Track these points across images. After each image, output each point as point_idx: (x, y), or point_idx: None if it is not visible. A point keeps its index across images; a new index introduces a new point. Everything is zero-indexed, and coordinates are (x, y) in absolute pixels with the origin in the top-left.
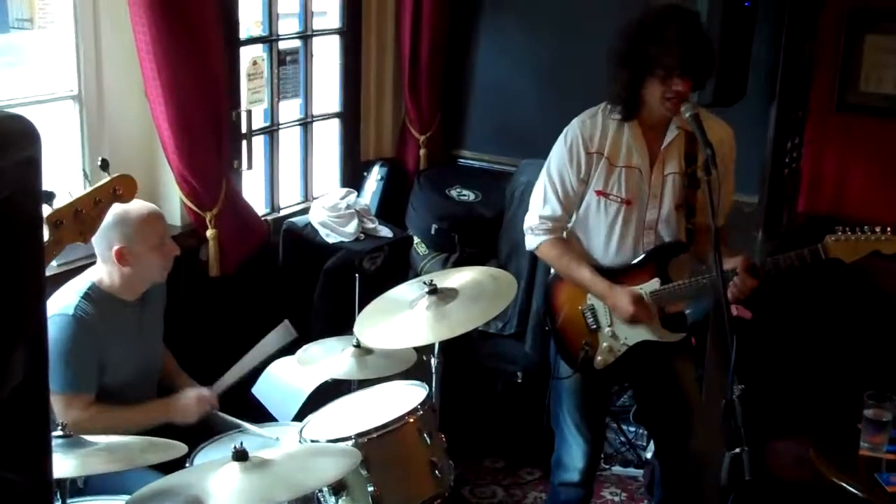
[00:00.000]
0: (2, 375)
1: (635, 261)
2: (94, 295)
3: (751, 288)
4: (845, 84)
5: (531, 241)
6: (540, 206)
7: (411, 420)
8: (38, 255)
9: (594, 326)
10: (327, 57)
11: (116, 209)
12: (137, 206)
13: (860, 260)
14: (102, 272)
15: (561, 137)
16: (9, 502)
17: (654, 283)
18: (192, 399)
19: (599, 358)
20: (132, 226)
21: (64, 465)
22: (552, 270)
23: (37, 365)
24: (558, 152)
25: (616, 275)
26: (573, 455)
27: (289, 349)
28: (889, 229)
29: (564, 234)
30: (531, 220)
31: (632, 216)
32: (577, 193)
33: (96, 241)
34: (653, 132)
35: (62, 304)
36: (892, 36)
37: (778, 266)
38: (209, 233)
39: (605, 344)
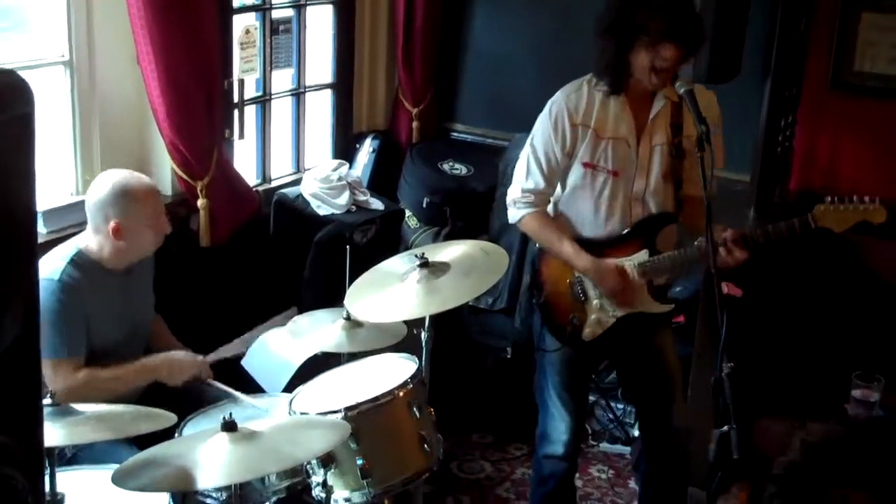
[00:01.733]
0: None
1: (623, 232)
2: (81, 261)
3: (740, 259)
4: (839, 62)
5: (514, 215)
6: (523, 178)
7: (401, 394)
8: (31, 213)
9: (582, 299)
10: (321, 27)
11: (116, 182)
12: (137, 181)
13: (850, 238)
14: (92, 240)
15: (545, 109)
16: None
17: (642, 255)
18: (185, 361)
19: (588, 330)
20: (131, 203)
21: (52, 434)
22: (537, 245)
23: (28, 327)
24: (543, 125)
25: (604, 247)
26: (557, 428)
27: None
28: (877, 199)
29: (549, 207)
30: (514, 192)
31: (619, 187)
32: (561, 166)
33: (92, 211)
34: (639, 102)
35: (48, 269)
36: (887, 14)
37: (768, 236)
38: (200, 202)
39: (593, 316)
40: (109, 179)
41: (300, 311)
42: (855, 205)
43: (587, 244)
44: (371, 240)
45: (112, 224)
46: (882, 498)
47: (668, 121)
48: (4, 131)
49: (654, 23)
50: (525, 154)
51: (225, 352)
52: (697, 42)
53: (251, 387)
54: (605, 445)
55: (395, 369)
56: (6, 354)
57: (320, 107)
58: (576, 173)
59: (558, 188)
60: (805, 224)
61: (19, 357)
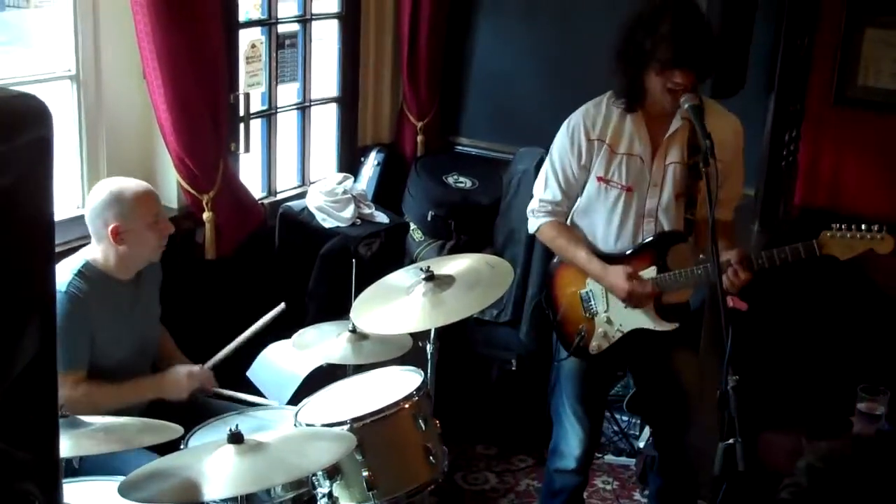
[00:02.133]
0: (14, 352)
1: (634, 248)
2: (88, 273)
3: (744, 281)
4: (844, 78)
5: (532, 224)
6: (541, 190)
7: (406, 406)
8: (49, 233)
9: (591, 312)
10: (326, 41)
11: (111, 187)
12: (132, 184)
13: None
14: (97, 251)
15: (564, 124)
16: (18, 480)
17: (651, 271)
18: (184, 375)
19: (594, 343)
20: (127, 204)
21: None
22: (556, 257)
23: (46, 342)
24: (561, 139)
25: (615, 261)
26: (570, 443)
27: (285, 333)
28: (884, 228)
29: (567, 220)
30: (532, 203)
31: (632, 203)
32: (578, 180)
33: (91, 220)
34: (657, 121)
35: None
36: (891, 30)
37: (772, 260)
38: (206, 215)
39: (600, 329)
40: (105, 186)
41: (305, 325)
42: (862, 233)
43: (599, 258)
44: (376, 253)
45: (111, 227)
46: None
47: (685, 141)
48: (24, 153)
49: (661, 50)
50: (545, 167)
51: (220, 356)
52: (709, 65)
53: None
54: (609, 457)
55: (401, 381)
56: (24, 372)
57: (325, 120)
58: (591, 187)
59: (576, 201)
60: (810, 250)
61: (38, 373)
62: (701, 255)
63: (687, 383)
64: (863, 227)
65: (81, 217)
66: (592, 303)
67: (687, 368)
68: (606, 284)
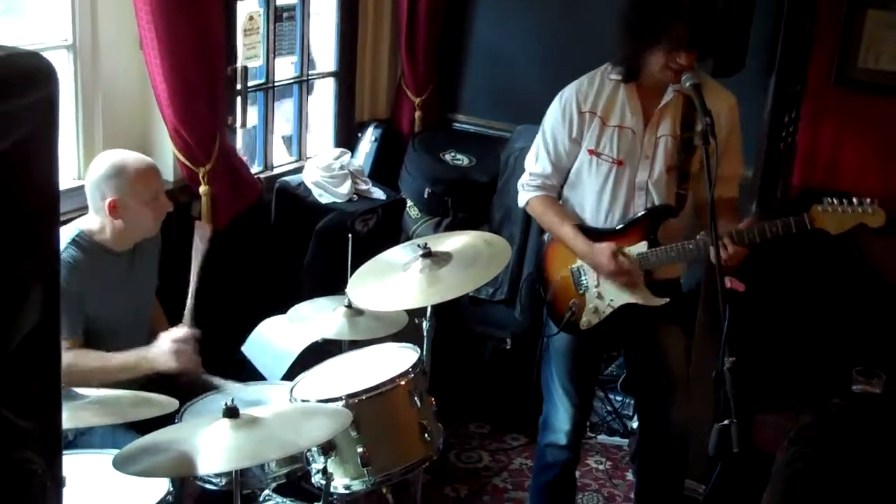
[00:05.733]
0: (16, 319)
1: (625, 222)
2: (83, 242)
3: (733, 255)
4: (844, 59)
5: (522, 198)
6: (532, 162)
7: (402, 383)
8: (55, 196)
9: (583, 287)
10: (324, 15)
11: (113, 160)
12: (134, 158)
13: (849, 233)
14: (94, 222)
15: (557, 97)
16: (19, 448)
17: (641, 246)
18: (168, 345)
19: (584, 319)
20: (128, 179)
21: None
22: (547, 234)
23: (49, 310)
24: (553, 111)
25: (606, 236)
26: (560, 417)
27: (280, 308)
28: (876, 201)
29: (558, 195)
30: (523, 177)
31: (623, 177)
32: (570, 153)
33: (90, 191)
34: (649, 93)
35: None
36: (893, 12)
37: (763, 234)
38: (202, 189)
39: (590, 305)
40: (107, 158)
41: (300, 299)
42: (854, 207)
43: (588, 232)
44: (372, 229)
45: (108, 201)
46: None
47: (678, 114)
48: (30, 114)
49: (675, 30)
50: (537, 139)
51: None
52: (716, 48)
53: (251, 374)
54: (602, 437)
55: (397, 358)
56: (27, 338)
57: (323, 95)
58: (581, 160)
59: (566, 175)
60: (801, 223)
61: (40, 341)
62: (702, 233)
63: (672, 363)
64: (854, 199)
65: (78, 188)
66: (583, 278)
67: (674, 349)
68: (591, 262)
